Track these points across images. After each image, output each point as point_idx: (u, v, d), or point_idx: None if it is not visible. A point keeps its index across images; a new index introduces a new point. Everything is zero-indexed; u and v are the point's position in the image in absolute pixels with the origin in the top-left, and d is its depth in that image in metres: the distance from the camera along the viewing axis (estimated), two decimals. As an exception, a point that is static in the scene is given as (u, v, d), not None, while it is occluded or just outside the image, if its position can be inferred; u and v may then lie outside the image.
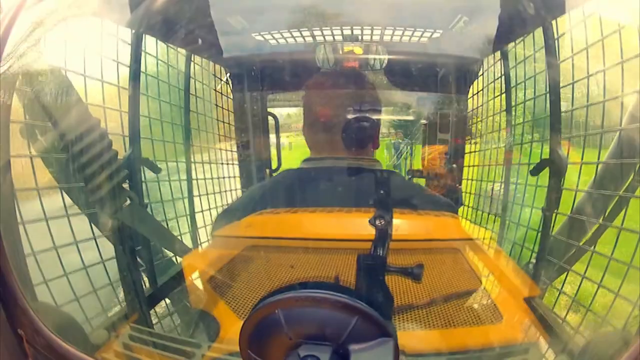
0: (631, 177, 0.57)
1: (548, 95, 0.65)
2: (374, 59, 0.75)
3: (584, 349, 0.50)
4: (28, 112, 0.55)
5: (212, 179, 0.86)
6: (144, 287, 0.67)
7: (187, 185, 0.81)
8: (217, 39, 0.74)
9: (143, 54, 0.70)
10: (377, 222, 0.55)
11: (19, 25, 0.51)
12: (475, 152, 0.88)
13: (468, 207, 0.84)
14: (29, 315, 0.47)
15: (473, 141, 0.88)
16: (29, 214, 0.54)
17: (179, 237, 0.78)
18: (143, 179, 0.70)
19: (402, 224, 0.64)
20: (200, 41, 0.75)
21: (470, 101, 0.87)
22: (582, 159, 0.63)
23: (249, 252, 0.69)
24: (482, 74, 0.84)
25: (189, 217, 0.80)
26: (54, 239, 0.58)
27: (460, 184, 0.87)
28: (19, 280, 0.48)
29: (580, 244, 0.62)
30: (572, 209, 0.64)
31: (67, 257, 0.60)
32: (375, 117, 0.73)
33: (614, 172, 0.60)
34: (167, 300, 0.70)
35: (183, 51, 0.79)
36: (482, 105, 0.86)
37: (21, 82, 0.52)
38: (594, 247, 0.60)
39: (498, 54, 0.80)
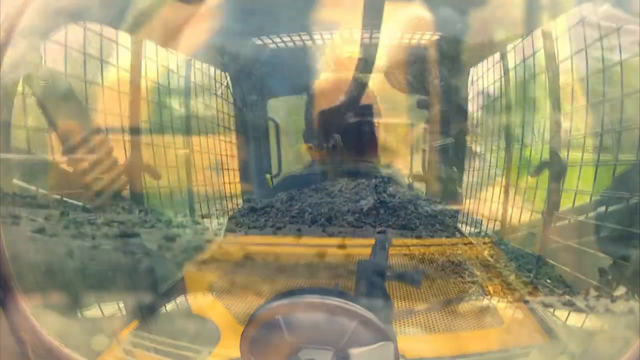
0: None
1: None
2: (375, 62, 0.74)
3: (584, 350, 0.50)
4: (28, 114, 0.56)
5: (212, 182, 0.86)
6: (145, 292, 0.67)
7: (187, 189, 0.81)
8: (217, 43, 0.74)
9: (143, 57, 0.70)
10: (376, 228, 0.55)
11: (19, 28, 0.51)
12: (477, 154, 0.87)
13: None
14: (30, 320, 0.47)
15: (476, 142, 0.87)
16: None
17: (180, 242, 0.77)
18: (143, 184, 0.70)
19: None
20: (199, 45, 0.75)
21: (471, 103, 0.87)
22: (581, 159, 0.63)
23: (249, 257, 0.69)
24: (482, 76, 0.84)
25: (190, 221, 0.80)
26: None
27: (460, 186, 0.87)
28: (20, 285, 0.48)
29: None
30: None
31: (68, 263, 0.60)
32: (375, 122, 0.73)
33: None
34: (168, 306, 0.69)
35: (182, 54, 0.79)
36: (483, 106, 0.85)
37: (22, 85, 0.53)
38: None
39: (497, 55, 0.79)
